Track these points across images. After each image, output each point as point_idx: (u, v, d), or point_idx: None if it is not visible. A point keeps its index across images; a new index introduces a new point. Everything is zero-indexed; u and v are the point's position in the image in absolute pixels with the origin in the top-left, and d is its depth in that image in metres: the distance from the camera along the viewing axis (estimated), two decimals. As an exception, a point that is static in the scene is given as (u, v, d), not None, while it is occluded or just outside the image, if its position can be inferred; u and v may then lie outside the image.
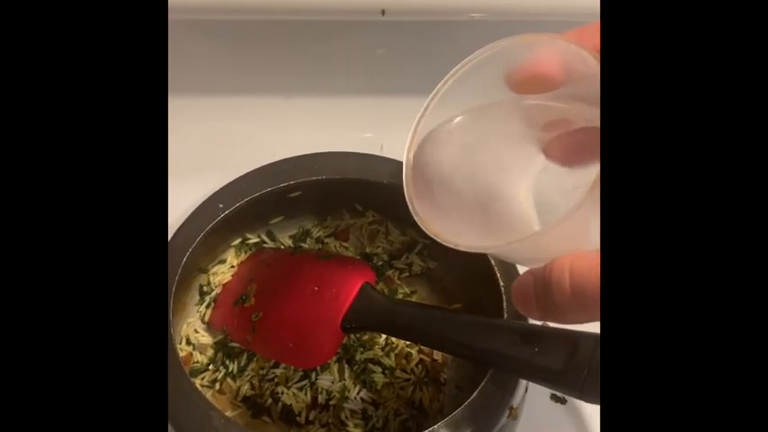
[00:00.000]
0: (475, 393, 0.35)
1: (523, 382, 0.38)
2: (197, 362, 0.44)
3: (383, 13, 0.50)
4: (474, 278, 0.43)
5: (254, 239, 0.47)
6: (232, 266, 0.47)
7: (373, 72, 0.60)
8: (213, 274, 0.46)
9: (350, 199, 0.48)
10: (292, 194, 0.45)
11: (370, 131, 0.61)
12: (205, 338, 0.45)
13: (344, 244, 0.49)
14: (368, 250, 0.49)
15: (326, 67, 0.59)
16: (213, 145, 0.58)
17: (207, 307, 0.45)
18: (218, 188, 0.44)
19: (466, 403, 0.35)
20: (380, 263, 0.48)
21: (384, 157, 0.46)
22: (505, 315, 0.39)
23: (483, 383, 0.36)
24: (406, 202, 0.45)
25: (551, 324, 0.28)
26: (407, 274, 0.48)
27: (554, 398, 0.44)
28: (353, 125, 0.61)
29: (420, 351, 0.44)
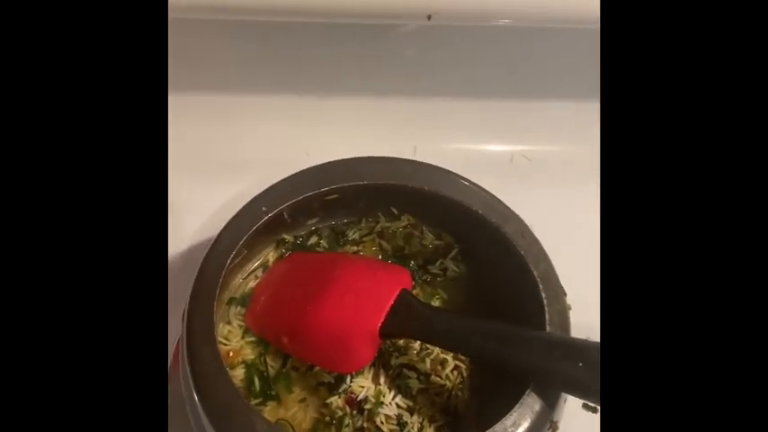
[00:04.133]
0: (516, 406, 0.36)
1: (564, 394, 0.38)
2: (233, 362, 0.44)
3: (429, 17, 0.50)
4: (512, 286, 0.43)
5: (290, 239, 0.48)
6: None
7: (407, 74, 0.60)
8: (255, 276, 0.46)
9: (386, 202, 0.48)
10: (329, 197, 0.46)
11: (403, 133, 0.61)
12: (243, 340, 0.45)
13: (383, 243, 0.49)
14: (405, 251, 0.49)
15: (361, 68, 0.59)
16: (247, 144, 0.58)
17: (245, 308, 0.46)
18: (252, 187, 0.44)
19: (507, 416, 0.35)
20: (415, 267, 0.49)
21: (423, 163, 0.46)
22: (548, 327, 0.39)
23: (524, 396, 0.36)
24: (441, 207, 0.46)
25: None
26: (442, 278, 0.49)
27: (586, 407, 0.45)
28: (387, 126, 0.61)
29: (456, 357, 0.45)
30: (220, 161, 0.58)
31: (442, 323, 0.39)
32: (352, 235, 0.50)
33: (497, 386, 0.43)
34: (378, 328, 0.39)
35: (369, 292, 0.41)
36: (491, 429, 0.35)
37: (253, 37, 0.55)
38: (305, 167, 0.45)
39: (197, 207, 0.54)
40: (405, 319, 0.39)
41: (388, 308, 0.39)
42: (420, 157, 0.47)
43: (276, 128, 0.59)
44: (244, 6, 0.51)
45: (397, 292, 0.40)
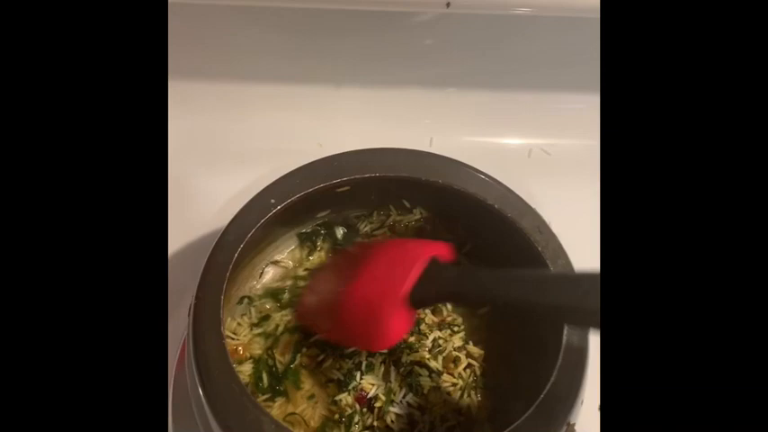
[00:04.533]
0: (532, 408, 0.34)
1: (581, 394, 0.37)
2: (241, 357, 0.43)
3: (448, 5, 0.49)
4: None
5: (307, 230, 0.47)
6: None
7: (424, 64, 0.59)
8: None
9: (398, 195, 0.47)
10: (340, 189, 0.44)
11: (419, 124, 0.60)
12: (249, 335, 0.44)
13: (394, 237, 0.48)
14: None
15: (377, 58, 0.58)
16: (260, 133, 0.57)
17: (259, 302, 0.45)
18: (264, 177, 0.43)
19: (524, 417, 0.34)
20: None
21: (437, 155, 0.45)
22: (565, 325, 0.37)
23: (541, 397, 0.35)
24: (455, 201, 0.44)
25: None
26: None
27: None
28: (402, 117, 0.60)
29: (468, 355, 0.43)
30: (233, 151, 0.57)
31: (469, 280, 0.38)
32: (363, 228, 0.49)
33: (512, 386, 0.41)
34: (407, 295, 0.37)
35: (397, 262, 0.39)
36: (507, 431, 0.34)
37: (267, 24, 0.54)
38: (317, 158, 0.44)
39: (209, 197, 0.54)
40: (433, 284, 0.37)
41: (416, 274, 0.38)
42: (436, 148, 0.46)
43: (290, 118, 0.59)
44: None
45: (427, 259, 0.38)
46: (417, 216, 0.48)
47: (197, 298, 0.38)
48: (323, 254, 0.48)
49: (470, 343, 0.44)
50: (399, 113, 0.60)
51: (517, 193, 0.43)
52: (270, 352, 0.43)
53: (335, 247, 0.48)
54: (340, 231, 0.48)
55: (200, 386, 0.36)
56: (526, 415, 0.34)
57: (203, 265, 0.39)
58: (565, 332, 0.37)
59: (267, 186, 0.41)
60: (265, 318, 0.45)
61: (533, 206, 0.43)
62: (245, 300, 0.45)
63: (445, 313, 0.45)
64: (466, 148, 0.53)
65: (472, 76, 0.60)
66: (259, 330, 0.44)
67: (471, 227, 0.47)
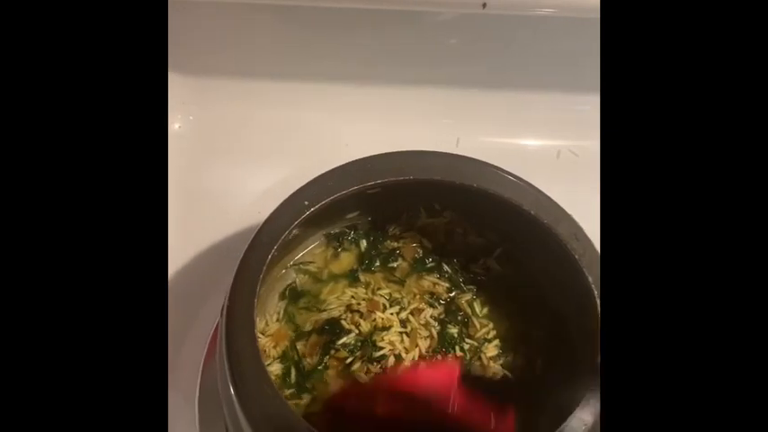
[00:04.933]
0: (567, 420, 0.34)
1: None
2: (268, 357, 0.43)
3: (484, 5, 0.48)
4: (563, 291, 0.41)
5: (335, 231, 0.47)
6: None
7: (450, 63, 0.58)
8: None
9: (429, 198, 0.47)
10: (371, 191, 0.44)
11: (445, 124, 0.59)
12: (277, 325, 0.44)
13: (423, 240, 0.48)
14: (447, 248, 0.48)
15: (401, 57, 0.57)
16: (286, 130, 0.57)
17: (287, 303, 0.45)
18: (291, 175, 0.42)
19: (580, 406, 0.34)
20: (457, 267, 0.47)
21: (470, 158, 0.44)
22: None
23: (576, 411, 0.34)
24: (487, 205, 0.44)
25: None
26: (485, 278, 0.47)
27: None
28: (428, 116, 0.59)
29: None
30: (259, 149, 0.57)
31: None
32: (393, 230, 0.48)
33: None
34: None
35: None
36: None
37: (296, 22, 0.54)
38: (344, 157, 0.43)
39: (236, 193, 0.54)
40: None
41: None
42: (462, 149, 0.45)
43: (316, 116, 0.58)
44: None
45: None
46: (447, 219, 0.48)
47: (230, 299, 0.38)
48: (350, 255, 0.48)
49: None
50: (425, 113, 0.59)
51: (548, 193, 0.43)
52: (295, 346, 0.43)
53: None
54: (363, 242, 0.48)
55: (233, 387, 0.36)
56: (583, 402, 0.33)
57: (236, 265, 0.38)
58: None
59: (301, 188, 0.41)
60: (292, 317, 0.45)
61: (564, 209, 0.42)
62: (276, 299, 0.45)
63: (478, 326, 0.45)
64: (492, 149, 0.53)
65: (498, 75, 0.60)
66: (287, 322, 0.44)
67: (502, 231, 0.46)
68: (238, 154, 0.57)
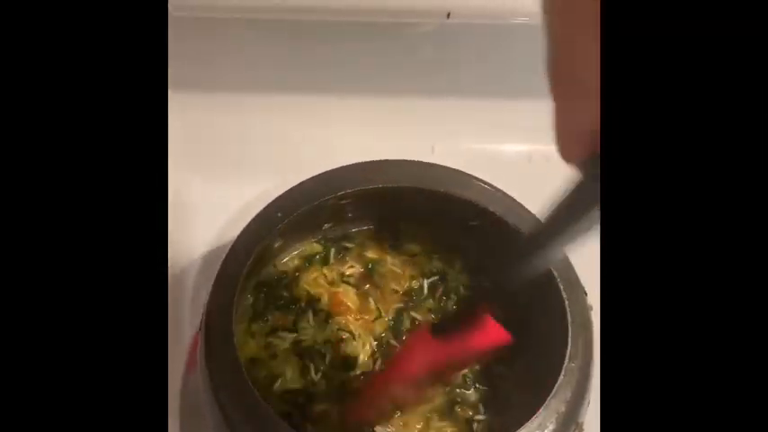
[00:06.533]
0: (541, 409, 0.35)
1: (587, 396, 0.37)
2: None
3: (448, 15, 0.50)
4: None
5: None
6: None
7: (426, 73, 0.60)
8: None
9: (400, 205, 0.47)
10: (343, 201, 0.45)
11: (421, 132, 0.60)
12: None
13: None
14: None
15: (379, 68, 0.59)
16: (266, 144, 0.58)
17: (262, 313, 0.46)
18: (272, 188, 0.44)
19: (534, 418, 0.35)
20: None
21: (439, 165, 0.46)
22: (570, 325, 0.38)
23: (549, 398, 0.35)
24: (457, 210, 0.45)
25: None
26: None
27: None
28: (405, 125, 0.61)
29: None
30: (239, 162, 0.57)
31: None
32: (360, 240, 0.49)
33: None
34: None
35: None
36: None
37: (271, 36, 0.56)
38: (321, 168, 0.45)
39: (214, 209, 0.54)
40: None
41: None
42: (438, 155, 0.47)
43: (293, 128, 0.59)
44: (265, 6, 0.52)
45: None
46: (415, 225, 0.49)
47: (208, 313, 0.39)
48: (324, 269, 0.49)
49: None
50: (403, 122, 0.61)
51: (520, 196, 0.44)
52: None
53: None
54: (332, 252, 0.49)
55: (216, 400, 0.36)
56: (535, 417, 0.34)
57: (214, 278, 0.39)
58: (570, 333, 0.37)
59: (273, 200, 0.42)
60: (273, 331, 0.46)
61: (535, 210, 0.43)
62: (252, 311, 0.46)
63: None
64: (467, 155, 0.54)
65: (473, 84, 0.61)
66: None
67: (474, 235, 0.47)
68: (216, 168, 0.57)
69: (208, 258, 0.51)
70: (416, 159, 0.46)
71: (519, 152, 0.62)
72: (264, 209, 0.42)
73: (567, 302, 0.38)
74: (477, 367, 0.43)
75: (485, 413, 0.42)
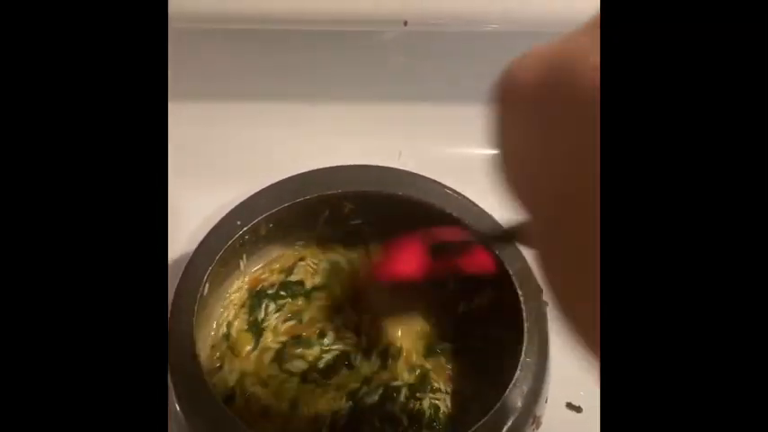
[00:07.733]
0: (499, 404, 0.36)
1: (544, 391, 0.38)
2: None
3: (405, 23, 0.51)
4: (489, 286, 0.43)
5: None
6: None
7: (393, 80, 0.61)
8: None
9: (358, 209, 0.48)
10: (303, 206, 0.46)
11: (389, 138, 0.61)
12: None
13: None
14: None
15: (348, 75, 0.60)
16: (234, 151, 0.59)
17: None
18: (240, 195, 0.44)
19: (491, 412, 0.35)
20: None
21: (401, 170, 0.47)
22: (525, 322, 0.38)
23: (507, 393, 0.36)
24: (418, 213, 0.45)
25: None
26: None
27: (570, 406, 0.45)
28: (374, 131, 0.62)
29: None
30: (209, 169, 0.58)
31: None
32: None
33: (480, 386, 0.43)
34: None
35: None
36: (476, 427, 0.35)
37: (241, 45, 0.56)
38: (289, 174, 0.45)
39: (188, 215, 0.54)
40: None
41: None
42: (406, 160, 0.47)
43: (263, 134, 0.60)
44: (221, 15, 0.53)
45: None
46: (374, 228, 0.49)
47: (170, 329, 0.39)
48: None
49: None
50: (371, 128, 0.62)
51: (485, 198, 0.45)
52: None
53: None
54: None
55: (181, 410, 0.37)
56: (492, 411, 0.35)
57: (173, 291, 0.40)
58: (525, 329, 0.38)
59: (233, 209, 0.43)
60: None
61: (500, 213, 0.44)
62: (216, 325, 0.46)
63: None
64: (434, 159, 0.55)
65: (439, 89, 0.63)
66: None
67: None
68: (187, 175, 0.57)
69: (173, 268, 0.51)
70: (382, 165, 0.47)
71: (484, 156, 0.63)
72: (224, 218, 0.42)
73: (522, 299, 0.39)
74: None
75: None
